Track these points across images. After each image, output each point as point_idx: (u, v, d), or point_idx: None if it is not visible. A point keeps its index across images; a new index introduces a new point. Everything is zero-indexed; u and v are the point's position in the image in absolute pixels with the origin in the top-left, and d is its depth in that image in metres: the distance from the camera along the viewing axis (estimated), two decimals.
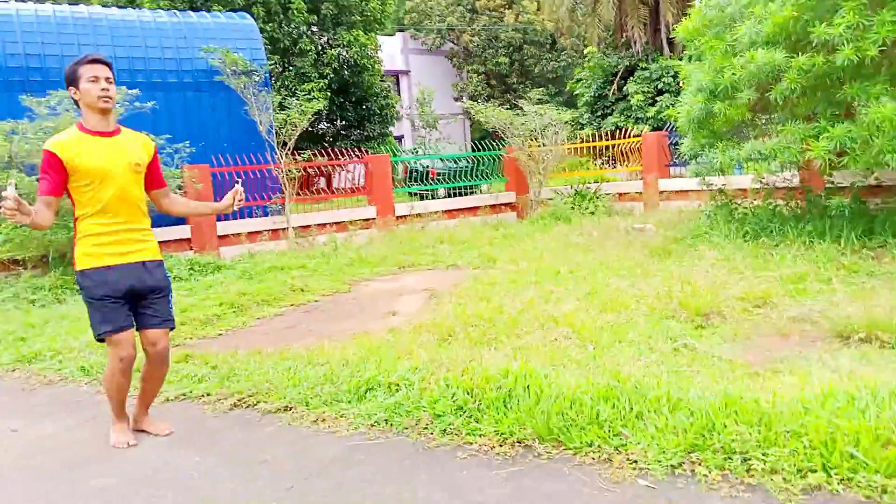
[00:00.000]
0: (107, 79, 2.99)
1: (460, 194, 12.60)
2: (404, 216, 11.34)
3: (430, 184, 13.04)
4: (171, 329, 3.24)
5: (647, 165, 11.68)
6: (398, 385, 3.40)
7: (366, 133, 16.08)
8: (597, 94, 17.17)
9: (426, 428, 2.98)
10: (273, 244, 9.79)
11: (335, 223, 10.61)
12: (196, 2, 13.67)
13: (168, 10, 12.08)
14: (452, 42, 31.71)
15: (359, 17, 15.01)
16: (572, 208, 11.07)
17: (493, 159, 12.81)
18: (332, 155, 11.40)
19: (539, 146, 11.82)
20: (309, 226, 10.36)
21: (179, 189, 8.90)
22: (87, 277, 3.00)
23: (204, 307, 6.09)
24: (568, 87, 18.72)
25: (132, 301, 3.09)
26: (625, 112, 16.34)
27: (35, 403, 3.93)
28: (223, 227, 9.63)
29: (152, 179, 3.23)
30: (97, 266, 3.00)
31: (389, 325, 5.15)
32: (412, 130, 30.03)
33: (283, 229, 10.07)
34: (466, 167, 13.00)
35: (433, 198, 12.67)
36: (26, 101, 7.99)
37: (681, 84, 13.31)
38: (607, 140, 13.82)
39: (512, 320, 4.35)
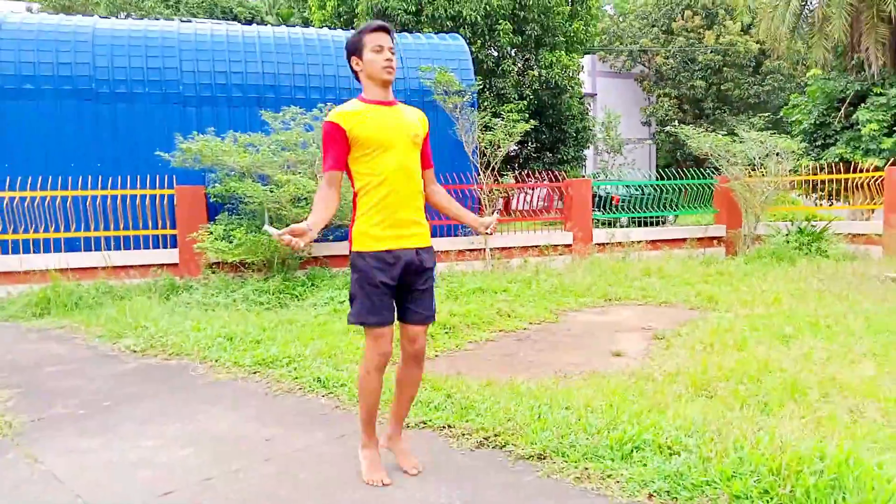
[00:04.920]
0: (390, 48, 2.87)
1: (644, 224, 11.85)
2: (603, 244, 10.83)
3: (613, 211, 12.42)
4: (432, 322, 3.05)
5: (890, 204, 10.17)
6: (672, 448, 2.97)
7: (559, 156, 15.77)
8: (817, 122, 15.46)
9: None
10: (469, 264, 9.74)
11: (531, 247, 10.36)
12: (408, 25, 14.20)
13: None
14: (644, 65, 30.61)
15: (562, 38, 14.81)
16: (797, 248, 9.89)
17: (680, 189, 11.91)
18: (524, 177, 11.21)
19: (759, 176, 10.75)
20: (505, 248, 10.21)
21: None
22: (365, 260, 2.84)
23: None
24: (783, 114, 17.03)
25: (397, 291, 2.92)
26: (852, 142, 14.52)
27: (282, 412, 3.98)
28: None
29: (423, 157, 3.05)
30: (376, 249, 2.84)
31: (622, 368, 4.72)
32: (594, 154, 29.28)
33: (481, 250, 10.00)
34: (652, 196, 12.23)
35: (616, 226, 12.06)
36: (265, 115, 8.61)
37: None
38: (830, 174, 12.31)
39: (790, 381, 3.74)
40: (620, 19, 30.86)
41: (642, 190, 13.04)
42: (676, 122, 27.40)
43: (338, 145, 2.83)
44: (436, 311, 3.06)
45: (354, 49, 2.90)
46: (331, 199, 2.85)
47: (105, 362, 5.34)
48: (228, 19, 30.35)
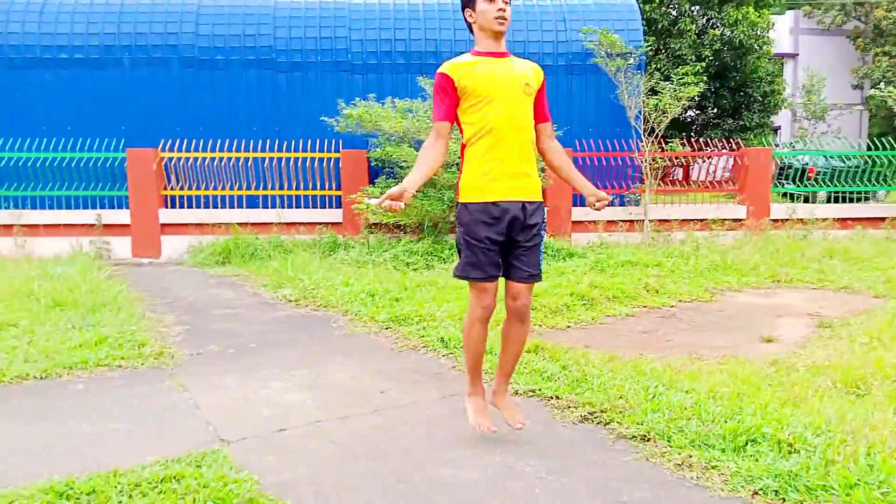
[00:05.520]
0: None
1: (845, 200, 10.49)
2: (781, 220, 9.83)
3: (807, 185, 11.15)
4: (538, 281, 2.98)
5: None
6: (792, 446, 2.67)
7: (741, 122, 14.43)
8: None
9: None
10: (625, 236, 9.34)
11: (696, 220, 9.68)
12: None
13: None
14: (859, 19, 26.90)
15: None
16: None
17: (891, 161, 10.33)
18: (699, 145, 10.40)
19: None
20: (667, 220, 9.64)
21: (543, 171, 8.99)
22: (469, 213, 2.85)
23: (555, 295, 5.94)
24: None
25: (503, 247, 2.89)
26: None
27: (402, 367, 4.14)
28: (578, 213, 9.49)
29: (538, 109, 2.99)
30: (481, 201, 2.83)
31: (767, 355, 4.30)
32: (792, 121, 26.48)
33: (639, 221, 9.53)
34: (859, 168, 10.76)
35: (808, 201, 10.82)
36: (422, 81, 8.81)
37: None
38: None
39: None
40: None
41: (846, 161, 11.63)
42: (883, 83, 23.95)
43: (447, 96, 2.84)
44: (541, 270, 2.97)
45: (468, 1, 2.87)
46: (437, 150, 2.86)
47: (263, 309, 5.88)
48: None
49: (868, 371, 3.55)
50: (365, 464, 2.80)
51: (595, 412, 3.26)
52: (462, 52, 2.91)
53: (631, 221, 9.53)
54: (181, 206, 9.43)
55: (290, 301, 6.10)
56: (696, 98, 14.84)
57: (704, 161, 11.60)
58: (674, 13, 14.02)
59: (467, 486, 2.61)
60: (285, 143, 9.54)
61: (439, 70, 2.86)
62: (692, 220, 9.68)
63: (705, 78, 13.18)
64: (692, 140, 11.25)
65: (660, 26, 13.66)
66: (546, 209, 2.98)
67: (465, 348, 3.07)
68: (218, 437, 3.05)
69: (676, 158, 10.19)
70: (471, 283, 2.91)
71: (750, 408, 3.07)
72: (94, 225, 8.99)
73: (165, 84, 9.74)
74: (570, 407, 3.37)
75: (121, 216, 9.13)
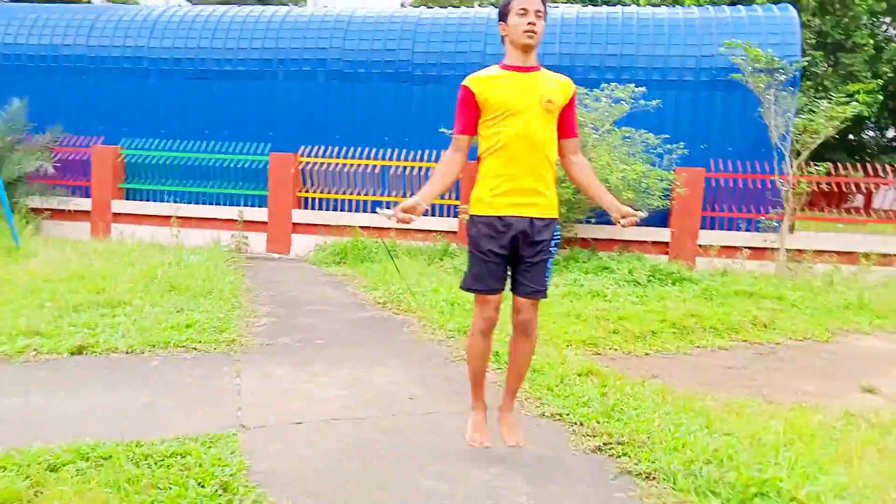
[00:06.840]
0: (536, 12, 2.78)
1: None
2: None
3: None
4: (542, 298, 2.93)
5: None
6: None
7: None
8: None
9: None
10: (758, 264, 8.57)
11: (843, 252, 8.66)
12: None
13: (702, 6, 11.63)
14: None
15: None
16: None
17: None
18: (871, 169, 9.25)
19: None
20: (804, 250, 8.70)
21: (665, 192, 8.53)
22: (476, 225, 2.88)
23: (644, 320, 5.65)
24: None
25: (510, 261, 2.88)
26: None
27: (445, 377, 4.17)
28: (705, 237, 8.89)
29: (563, 125, 2.92)
30: (488, 214, 2.84)
31: (857, 405, 3.79)
32: None
33: (775, 249, 8.72)
34: None
35: None
36: None
37: None
38: None
39: None
40: None
41: None
42: None
43: (467, 109, 2.86)
44: (546, 287, 2.91)
45: (502, 13, 2.87)
46: (454, 163, 2.91)
47: (352, 309, 6.17)
48: None
49: None
50: (355, 465, 2.87)
51: (611, 443, 3.09)
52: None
53: (763, 249, 8.74)
54: (313, 208, 10.12)
55: (379, 303, 6.34)
56: (870, 119, 13.26)
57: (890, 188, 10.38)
58: (850, 26, 12.61)
59: (441, 500, 2.59)
60: (412, 152, 9.91)
61: (463, 82, 2.89)
62: (838, 251, 8.67)
63: (881, 97, 11.78)
64: (864, 164, 9.98)
65: (830, 40, 12.37)
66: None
67: (468, 361, 3.07)
68: (240, 422, 3.28)
69: (828, 184, 9.14)
70: (475, 294, 2.91)
71: (783, 460, 2.75)
72: (236, 220, 9.93)
73: (312, 95, 10.52)
74: (589, 435, 3.21)
75: (260, 214, 9.99)
